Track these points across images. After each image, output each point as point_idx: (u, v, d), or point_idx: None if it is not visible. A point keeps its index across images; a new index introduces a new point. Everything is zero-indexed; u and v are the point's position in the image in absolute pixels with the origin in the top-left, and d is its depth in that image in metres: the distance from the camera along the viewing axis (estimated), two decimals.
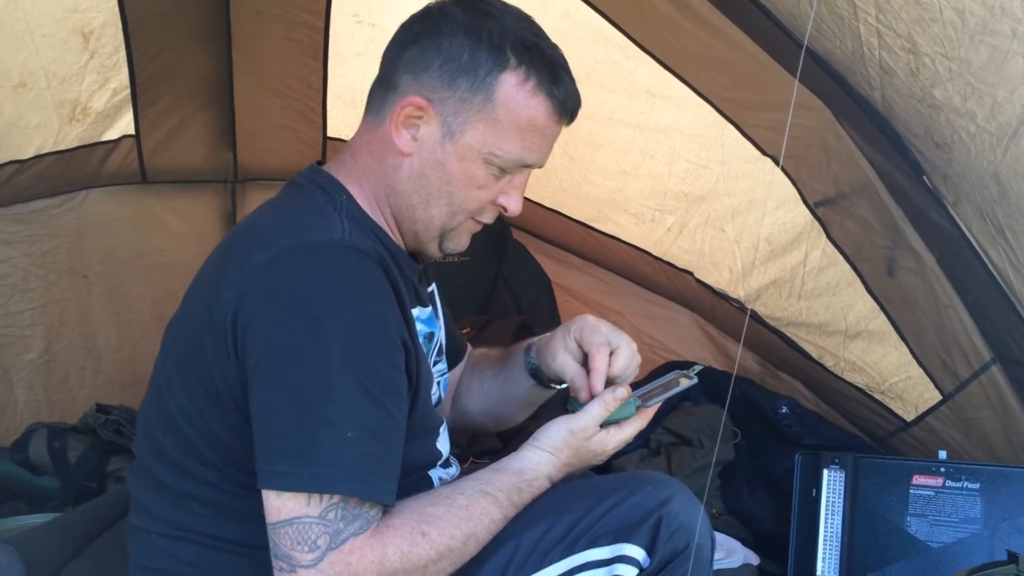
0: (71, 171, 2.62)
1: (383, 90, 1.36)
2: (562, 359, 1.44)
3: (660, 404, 1.38)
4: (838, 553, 1.94)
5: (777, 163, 2.19)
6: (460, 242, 1.41)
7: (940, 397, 2.14)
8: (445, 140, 1.32)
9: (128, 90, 2.53)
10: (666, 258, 2.65)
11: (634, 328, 2.84)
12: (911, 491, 1.93)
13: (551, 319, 2.76)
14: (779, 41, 1.91)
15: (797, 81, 1.56)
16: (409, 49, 1.33)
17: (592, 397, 1.35)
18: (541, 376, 1.52)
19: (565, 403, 1.37)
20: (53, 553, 1.62)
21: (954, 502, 1.89)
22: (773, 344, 2.53)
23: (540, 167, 1.41)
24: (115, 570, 1.68)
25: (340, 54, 2.59)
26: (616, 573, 1.20)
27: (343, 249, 1.25)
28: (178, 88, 2.59)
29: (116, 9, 2.30)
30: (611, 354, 1.38)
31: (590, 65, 2.35)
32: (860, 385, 2.34)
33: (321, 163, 1.44)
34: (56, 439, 2.48)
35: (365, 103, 1.43)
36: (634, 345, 1.41)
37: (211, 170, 2.85)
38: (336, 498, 1.14)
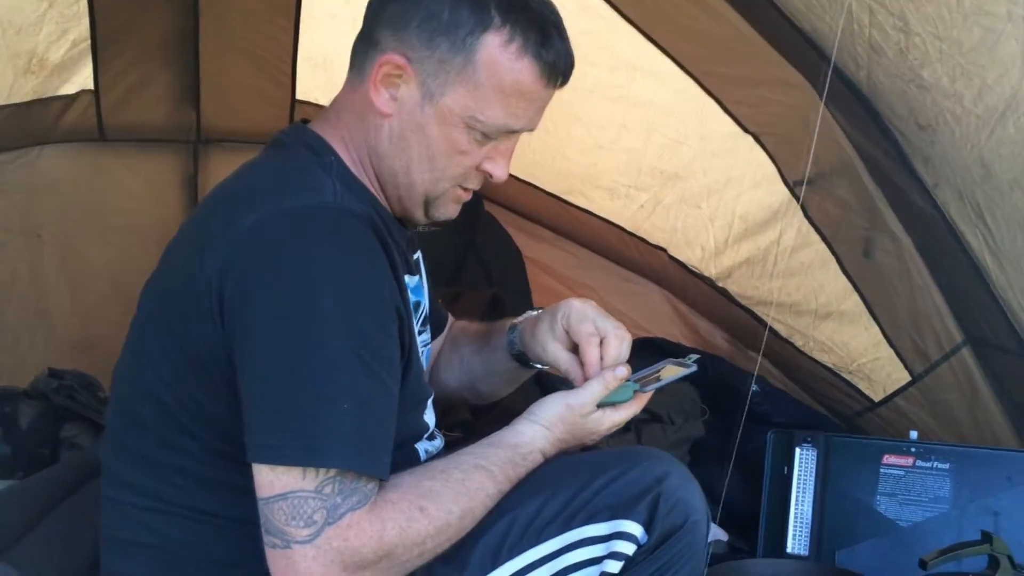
0: (25, 125, 2.51)
1: (365, 46, 1.30)
2: (553, 349, 1.40)
3: (655, 391, 1.36)
4: (808, 530, 1.96)
5: (758, 140, 2.18)
6: (447, 210, 1.36)
7: (909, 378, 2.16)
8: (424, 102, 1.26)
9: (86, 42, 2.43)
10: (639, 234, 2.64)
11: (604, 303, 2.77)
12: (882, 470, 1.95)
13: (522, 292, 2.73)
14: (767, 17, 1.90)
15: (823, 104, 1.54)
16: (390, 5, 1.27)
17: (576, 384, 1.34)
18: (524, 358, 1.49)
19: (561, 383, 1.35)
20: (13, 521, 1.56)
21: (924, 482, 1.92)
22: (744, 323, 2.54)
23: (531, 131, 1.35)
24: (79, 538, 1.62)
25: (313, 15, 2.51)
26: (614, 549, 1.18)
27: (335, 212, 1.20)
28: (141, 43, 2.49)
29: None
30: (601, 342, 1.35)
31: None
32: (828, 365, 2.36)
33: (306, 122, 1.38)
34: (6, 404, 2.38)
35: (349, 59, 1.37)
36: (623, 329, 1.38)
37: (173, 129, 2.75)
38: (333, 472, 1.10)
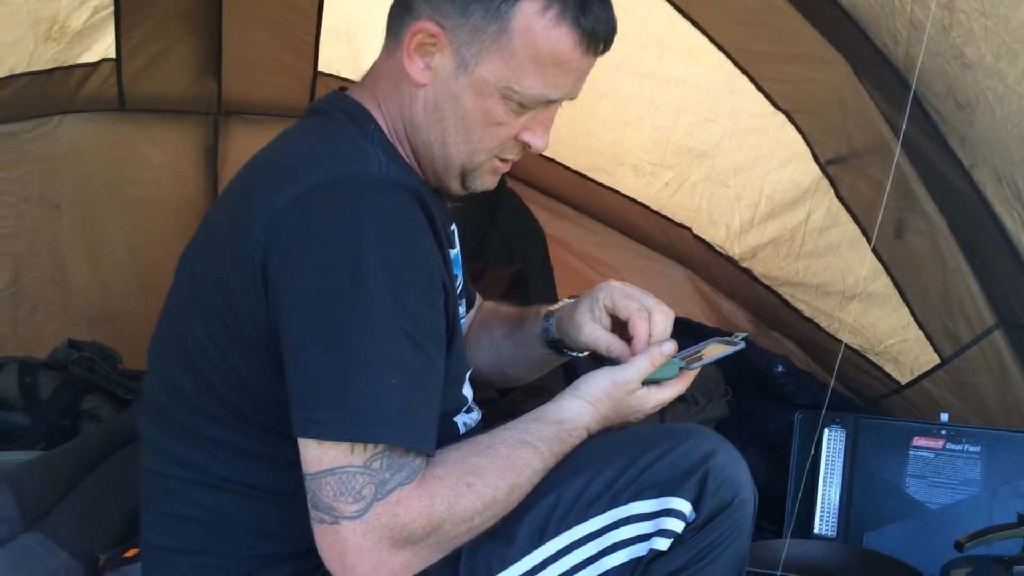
0: (46, 94, 2.49)
1: (400, 12, 1.26)
2: (590, 330, 1.38)
3: (700, 369, 1.33)
4: (836, 512, 1.95)
5: (791, 118, 2.15)
6: (484, 182, 1.33)
7: (938, 360, 2.15)
8: (459, 72, 1.23)
9: (108, 9, 2.41)
10: (664, 212, 2.62)
11: (626, 281, 2.81)
12: (911, 452, 1.94)
13: (544, 269, 2.71)
14: None
15: (902, 131, 1.51)
16: None
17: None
18: (559, 345, 1.47)
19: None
20: (42, 491, 1.56)
21: (954, 464, 1.90)
22: (768, 303, 2.52)
23: (571, 100, 1.31)
24: (107, 509, 1.63)
25: None
26: (663, 527, 1.16)
27: (381, 183, 1.17)
28: (164, 11, 2.47)
29: None
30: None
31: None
32: (855, 346, 2.35)
33: (344, 89, 1.36)
34: (27, 375, 2.38)
35: (386, 25, 1.33)
36: (666, 306, 1.36)
37: (193, 100, 2.72)
38: (381, 447, 1.09)
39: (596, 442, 1.25)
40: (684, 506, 1.17)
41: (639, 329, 1.32)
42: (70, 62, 2.46)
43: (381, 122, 1.28)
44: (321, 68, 2.69)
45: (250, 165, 1.29)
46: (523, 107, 1.25)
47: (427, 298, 1.15)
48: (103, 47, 2.48)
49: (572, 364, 2.38)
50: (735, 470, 1.19)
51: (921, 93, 1.84)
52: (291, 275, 1.13)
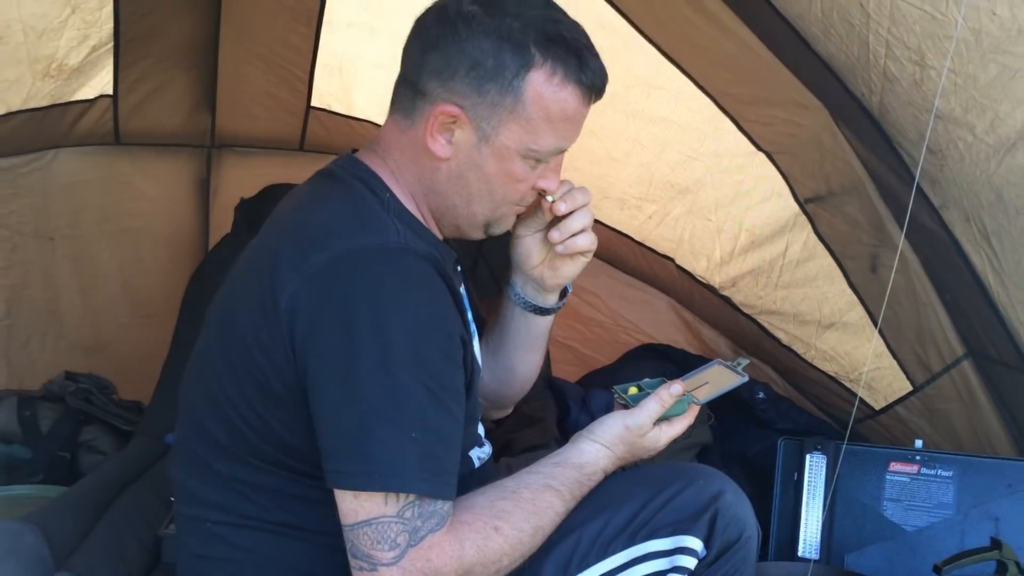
0: (43, 130, 2.53)
1: (411, 94, 1.36)
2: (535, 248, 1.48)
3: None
4: (819, 534, 2.04)
5: (771, 159, 2.26)
6: (504, 226, 1.45)
7: (910, 388, 2.26)
8: (481, 143, 1.33)
9: (106, 47, 2.45)
10: (647, 243, 2.71)
11: (610, 309, 2.90)
12: (888, 477, 2.04)
13: None
14: (785, 41, 1.97)
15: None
16: (431, 54, 1.33)
17: (551, 194, 1.41)
18: (525, 300, 1.54)
19: (614, 396, 1.41)
20: (67, 531, 1.60)
21: (928, 488, 2.01)
22: (748, 330, 2.63)
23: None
24: (128, 545, 1.68)
25: (332, 23, 2.55)
26: (677, 564, 1.26)
27: (400, 252, 1.27)
28: (162, 49, 2.52)
29: None
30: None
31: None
32: (831, 373, 2.46)
33: (355, 151, 1.43)
34: (26, 408, 2.41)
35: (391, 100, 1.42)
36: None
37: (188, 134, 2.78)
38: (412, 497, 1.17)
39: (612, 482, 1.34)
40: (696, 544, 1.26)
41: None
42: (67, 98, 2.50)
43: (396, 189, 1.37)
44: (314, 103, 2.75)
45: (274, 231, 1.37)
46: (539, 161, 1.37)
47: (446, 354, 1.24)
48: (101, 84, 2.52)
49: (564, 403, 2.46)
50: (741, 509, 1.29)
51: (895, 138, 1.96)
52: (318, 337, 1.21)
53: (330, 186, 1.39)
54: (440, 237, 1.42)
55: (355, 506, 1.17)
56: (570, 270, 1.51)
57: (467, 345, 1.30)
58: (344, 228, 1.28)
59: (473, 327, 1.52)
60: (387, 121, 1.41)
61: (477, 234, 1.42)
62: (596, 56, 1.37)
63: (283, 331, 1.22)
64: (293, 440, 1.25)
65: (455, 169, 1.35)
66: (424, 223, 1.39)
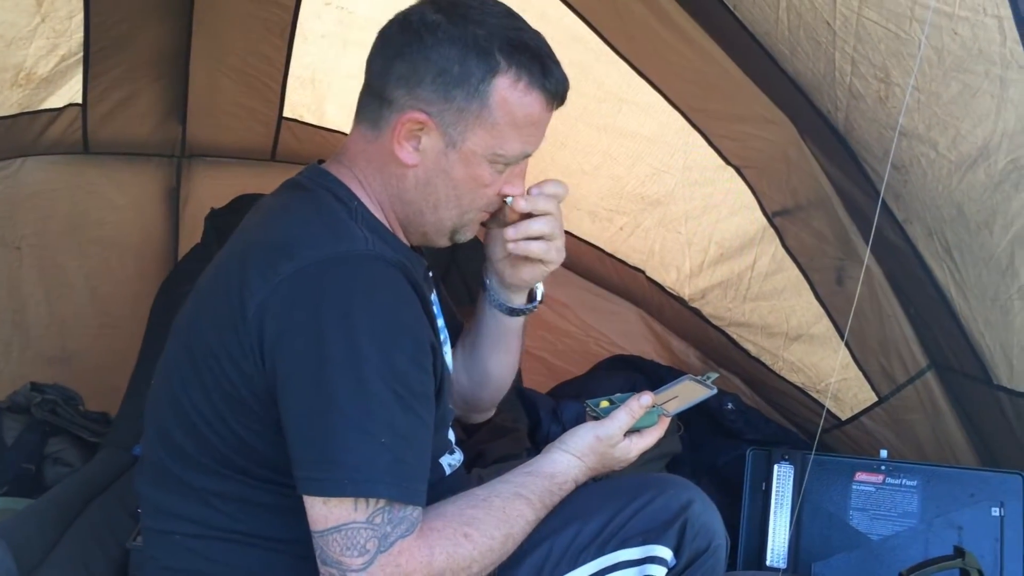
0: (10, 138, 2.51)
1: (376, 103, 1.37)
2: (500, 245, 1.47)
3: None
4: (786, 543, 2.07)
5: (740, 173, 2.29)
6: (470, 233, 1.45)
7: (875, 399, 2.30)
8: (448, 149, 1.34)
9: (76, 57, 2.44)
10: (617, 255, 2.74)
11: (580, 320, 2.92)
12: (854, 487, 2.07)
13: None
14: (753, 58, 2.01)
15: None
16: (396, 63, 1.35)
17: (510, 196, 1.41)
18: (498, 300, 1.55)
19: (586, 411, 1.42)
20: (33, 543, 1.59)
21: (893, 498, 2.04)
22: (717, 342, 2.66)
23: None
24: (94, 559, 1.66)
25: (304, 34, 2.55)
26: (647, 573, 1.27)
27: (369, 259, 1.27)
28: (132, 58, 2.51)
29: None
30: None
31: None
32: (798, 384, 2.49)
33: (321, 161, 1.44)
34: None
35: (356, 109, 1.43)
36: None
37: (157, 143, 2.77)
38: (382, 502, 1.18)
39: (584, 493, 1.35)
40: (666, 553, 1.28)
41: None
42: (35, 107, 2.48)
43: (363, 198, 1.38)
44: (286, 114, 2.75)
45: (242, 241, 1.37)
46: (505, 166, 1.38)
47: (415, 360, 1.24)
48: (70, 93, 2.50)
49: (535, 414, 2.47)
50: (710, 518, 1.31)
51: (860, 154, 2.00)
52: (287, 346, 1.21)
53: (298, 196, 1.40)
54: (407, 243, 1.43)
55: (324, 512, 1.17)
56: (527, 274, 1.51)
57: (437, 351, 1.30)
58: (312, 237, 1.29)
59: (444, 333, 1.53)
60: (352, 132, 1.42)
61: (443, 241, 1.43)
62: (558, 64, 1.40)
63: (252, 340, 1.23)
64: (262, 448, 1.25)
65: (422, 176, 1.36)
66: (392, 231, 1.40)
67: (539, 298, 1.59)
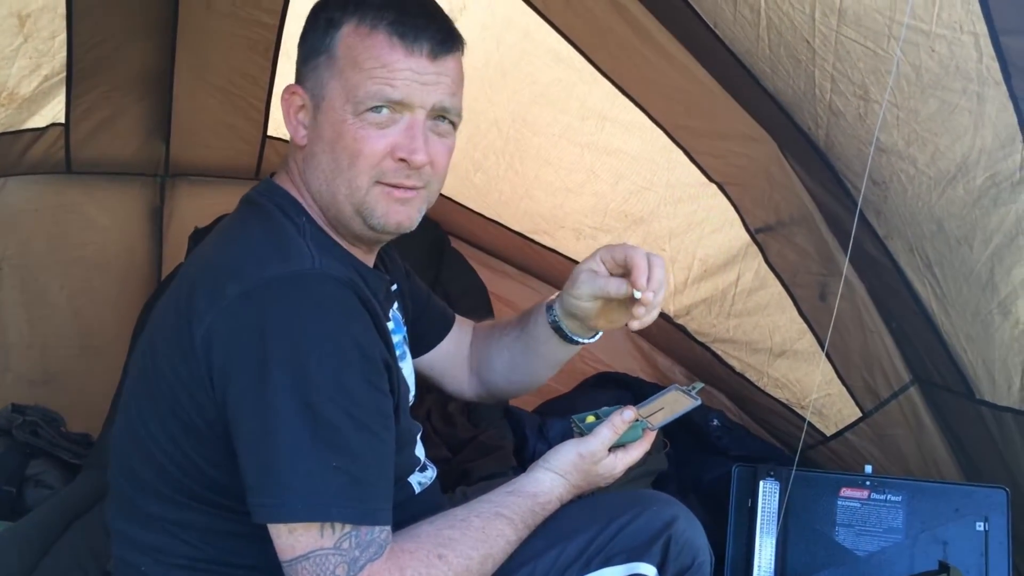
0: None
1: None
2: (586, 278, 1.49)
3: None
4: (773, 560, 2.06)
5: (723, 190, 2.30)
6: (383, 213, 1.34)
7: (860, 414, 2.30)
8: (316, 113, 1.35)
9: (59, 76, 2.43)
10: None
11: None
12: (839, 502, 2.07)
13: None
14: (734, 76, 2.02)
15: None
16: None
17: (642, 291, 1.40)
18: (563, 331, 1.57)
19: (572, 427, 1.42)
20: (15, 565, 1.57)
21: (878, 513, 2.05)
22: (702, 359, 2.66)
23: (424, 108, 1.34)
24: None
25: (289, 53, 2.52)
26: None
27: (316, 278, 1.26)
28: (115, 78, 2.50)
29: None
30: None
31: (544, 84, 2.41)
32: (783, 400, 2.50)
33: (274, 175, 1.44)
34: None
35: None
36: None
37: (141, 163, 2.75)
38: (348, 527, 1.16)
39: (567, 511, 1.34)
40: (650, 570, 1.27)
41: (639, 263, 1.42)
42: (17, 127, 2.47)
43: (308, 207, 1.36)
44: (270, 132, 2.75)
45: (194, 264, 1.36)
46: (375, 112, 1.31)
47: (367, 380, 1.23)
48: (52, 112, 2.49)
49: (521, 432, 2.47)
50: (694, 534, 1.30)
51: (841, 170, 2.01)
52: (235, 372, 1.20)
53: (248, 214, 1.39)
54: (358, 257, 1.40)
55: (291, 541, 1.16)
56: (617, 319, 1.54)
57: (392, 368, 1.29)
58: (258, 257, 1.27)
59: (402, 348, 1.52)
60: None
61: (360, 227, 1.35)
62: (427, 16, 1.34)
63: (201, 366, 1.21)
64: (219, 476, 1.24)
65: (309, 150, 1.35)
66: (338, 241, 1.38)
67: (600, 332, 1.61)
